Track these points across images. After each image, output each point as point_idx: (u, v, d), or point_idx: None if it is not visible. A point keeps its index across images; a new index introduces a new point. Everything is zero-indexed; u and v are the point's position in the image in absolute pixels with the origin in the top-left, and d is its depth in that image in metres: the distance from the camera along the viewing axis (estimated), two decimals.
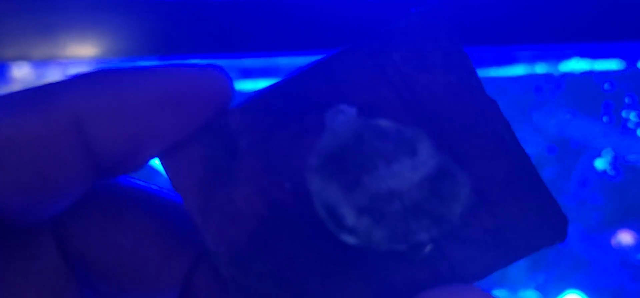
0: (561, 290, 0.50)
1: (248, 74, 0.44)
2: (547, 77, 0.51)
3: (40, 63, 0.39)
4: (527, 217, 0.15)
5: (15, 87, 0.40)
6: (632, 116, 0.51)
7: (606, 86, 0.51)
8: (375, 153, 0.14)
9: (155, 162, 0.15)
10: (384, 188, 0.14)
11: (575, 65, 0.50)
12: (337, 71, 0.15)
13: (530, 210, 0.15)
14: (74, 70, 0.39)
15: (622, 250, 0.51)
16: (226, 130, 0.15)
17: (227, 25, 0.39)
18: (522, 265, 0.50)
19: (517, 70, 0.49)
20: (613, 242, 0.51)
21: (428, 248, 0.15)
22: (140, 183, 0.17)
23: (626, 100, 0.51)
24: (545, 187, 0.15)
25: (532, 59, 0.49)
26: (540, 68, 0.50)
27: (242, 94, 0.15)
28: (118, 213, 0.16)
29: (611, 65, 0.50)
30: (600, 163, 0.52)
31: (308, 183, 0.14)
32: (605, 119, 0.51)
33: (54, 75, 0.40)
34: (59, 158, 0.14)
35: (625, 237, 0.51)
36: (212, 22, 0.39)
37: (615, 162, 0.52)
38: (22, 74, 0.40)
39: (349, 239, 0.14)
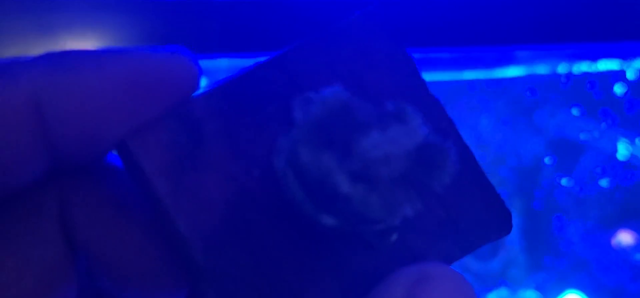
0: (561, 290, 0.50)
1: None
2: (547, 77, 0.51)
3: None
4: (474, 211, 0.16)
5: None
6: (632, 116, 0.51)
7: (607, 86, 0.51)
8: (365, 121, 0.14)
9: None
10: (380, 153, 0.14)
11: (575, 65, 0.50)
12: (292, 65, 0.16)
13: (476, 205, 0.16)
14: None
15: (622, 250, 0.51)
16: (191, 117, 0.15)
17: (227, 25, 0.39)
18: (522, 265, 0.50)
19: (517, 70, 0.49)
20: (613, 242, 0.51)
21: (394, 237, 0.15)
22: None
23: (626, 100, 0.51)
24: (489, 183, 0.16)
25: (532, 59, 0.49)
26: (540, 68, 0.50)
27: (207, 82, 0.15)
28: (127, 208, 0.16)
29: (611, 65, 0.50)
30: (600, 163, 0.52)
31: (297, 155, 0.14)
32: (605, 118, 0.51)
33: None
34: (12, 135, 0.13)
35: (625, 237, 0.51)
36: (212, 22, 0.39)
37: (615, 162, 0.52)
38: None
39: (328, 220, 0.14)
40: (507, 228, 0.16)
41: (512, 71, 0.49)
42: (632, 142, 0.52)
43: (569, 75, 0.50)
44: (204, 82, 0.16)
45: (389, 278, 0.14)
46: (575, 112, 0.51)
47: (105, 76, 0.14)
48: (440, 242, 0.16)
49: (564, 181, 0.51)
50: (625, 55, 0.50)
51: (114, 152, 0.15)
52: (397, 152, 0.14)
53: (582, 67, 0.50)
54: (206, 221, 0.15)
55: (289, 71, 0.16)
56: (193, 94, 0.15)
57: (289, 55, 0.16)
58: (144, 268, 0.16)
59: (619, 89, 0.51)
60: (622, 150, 0.52)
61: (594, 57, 0.49)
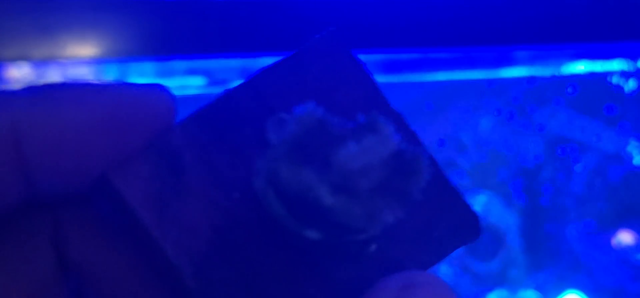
0: (561, 290, 0.50)
1: None
2: (547, 77, 0.51)
3: (40, 63, 0.39)
4: (445, 218, 0.16)
5: (13, 87, 0.40)
6: (632, 116, 0.51)
7: (607, 86, 0.51)
8: (340, 134, 0.15)
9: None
10: (358, 164, 0.14)
11: (576, 65, 0.50)
12: (262, 88, 0.16)
13: (446, 211, 0.17)
14: (74, 71, 0.39)
15: (622, 250, 0.51)
16: (169, 147, 0.15)
17: (227, 25, 0.39)
18: (522, 265, 0.50)
19: (517, 70, 0.49)
20: (613, 242, 0.51)
21: (373, 247, 0.15)
22: None
23: (626, 100, 0.51)
24: (454, 188, 0.17)
25: (532, 60, 0.49)
26: (540, 69, 0.50)
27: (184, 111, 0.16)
28: (119, 229, 0.16)
29: (611, 65, 0.50)
30: (600, 164, 0.52)
31: (277, 173, 0.14)
32: (605, 118, 0.52)
33: (53, 75, 0.40)
34: None
35: (625, 237, 0.51)
36: (212, 22, 0.39)
37: (615, 162, 0.52)
38: (22, 74, 0.40)
39: (312, 234, 0.15)
40: (476, 232, 0.17)
41: (512, 71, 0.49)
42: (632, 142, 0.52)
43: (570, 75, 0.50)
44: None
45: (376, 287, 0.15)
46: (575, 112, 0.51)
47: (84, 111, 0.14)
48: (416, 250, 0.16)
49: (563, 181, 0.51)
50: (625, 55, 0.50)
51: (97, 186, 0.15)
52: (374, 161, 0.14)
53: (582, 67, 0.50)
54: (193, 246, 0.15)
55: (260, 94, 0.16)
56: (171, 125, 0.16)
57: (258, 78, 0.16)
58: (134, 289, 0.16)
59: (618, 88, 0.51)
60: (623, 150, 0.52)
61: (594, 57, 0.49)
